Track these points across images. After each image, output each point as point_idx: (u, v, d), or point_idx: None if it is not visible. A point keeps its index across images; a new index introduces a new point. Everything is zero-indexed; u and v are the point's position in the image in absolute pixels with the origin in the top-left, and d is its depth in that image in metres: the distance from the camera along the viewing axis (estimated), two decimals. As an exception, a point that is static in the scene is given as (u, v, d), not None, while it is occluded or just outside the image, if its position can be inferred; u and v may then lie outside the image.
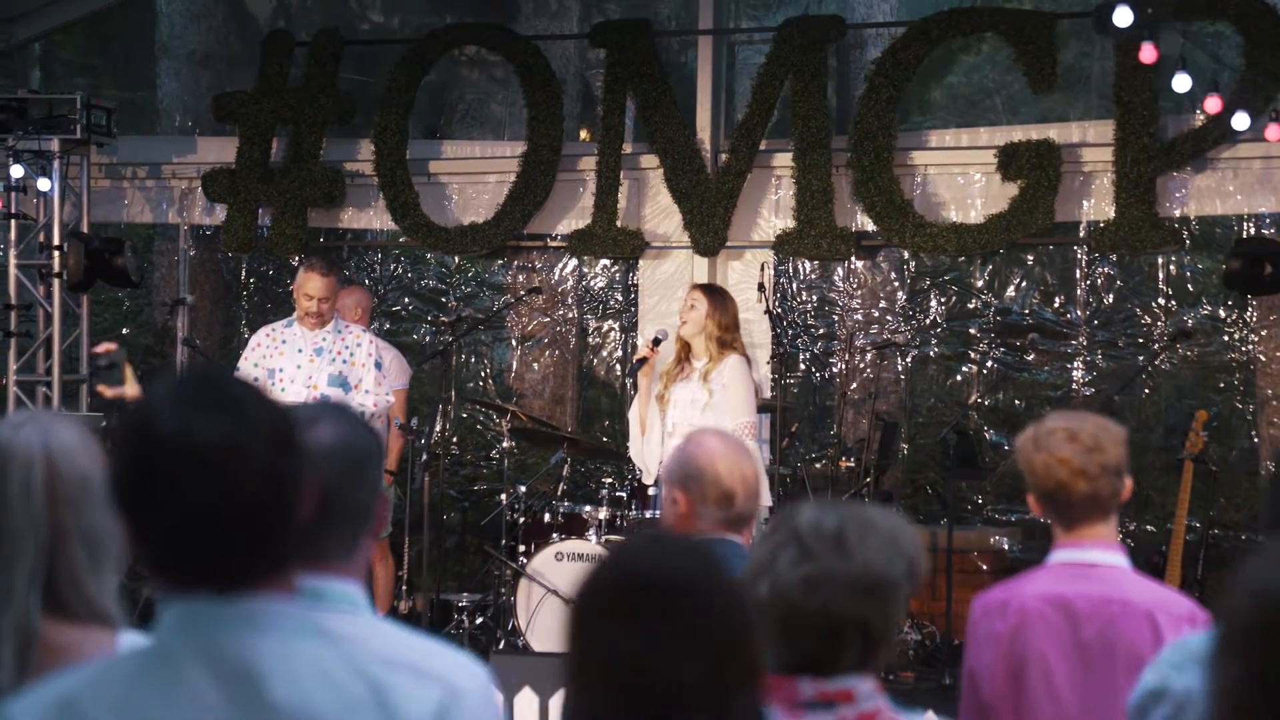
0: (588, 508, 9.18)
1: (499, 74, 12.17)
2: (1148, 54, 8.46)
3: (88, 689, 2.05)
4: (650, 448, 7.92)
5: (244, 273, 12.00)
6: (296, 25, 12.83)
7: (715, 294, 8.04)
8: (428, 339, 11.54)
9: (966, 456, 8.68)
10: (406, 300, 11.66)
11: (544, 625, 8.67)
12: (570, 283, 11.33)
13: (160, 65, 13.13)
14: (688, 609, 1.94)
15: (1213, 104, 8.91)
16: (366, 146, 11.20)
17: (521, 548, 9.08)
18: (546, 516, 9.21)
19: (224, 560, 2.01)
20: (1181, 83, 8.72)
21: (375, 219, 11.33)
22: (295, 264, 11.64)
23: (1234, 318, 10.24)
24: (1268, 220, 10.04)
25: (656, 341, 7.90)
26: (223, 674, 1.98)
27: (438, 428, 11.10)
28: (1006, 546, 10.22)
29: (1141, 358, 10.19)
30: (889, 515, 2.57)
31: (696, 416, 7.73)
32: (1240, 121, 8.92)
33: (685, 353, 7.92)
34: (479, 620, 9.46)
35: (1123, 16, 8.30)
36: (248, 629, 2.01)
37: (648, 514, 8.80)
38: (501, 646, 8.83)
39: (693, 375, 7.83)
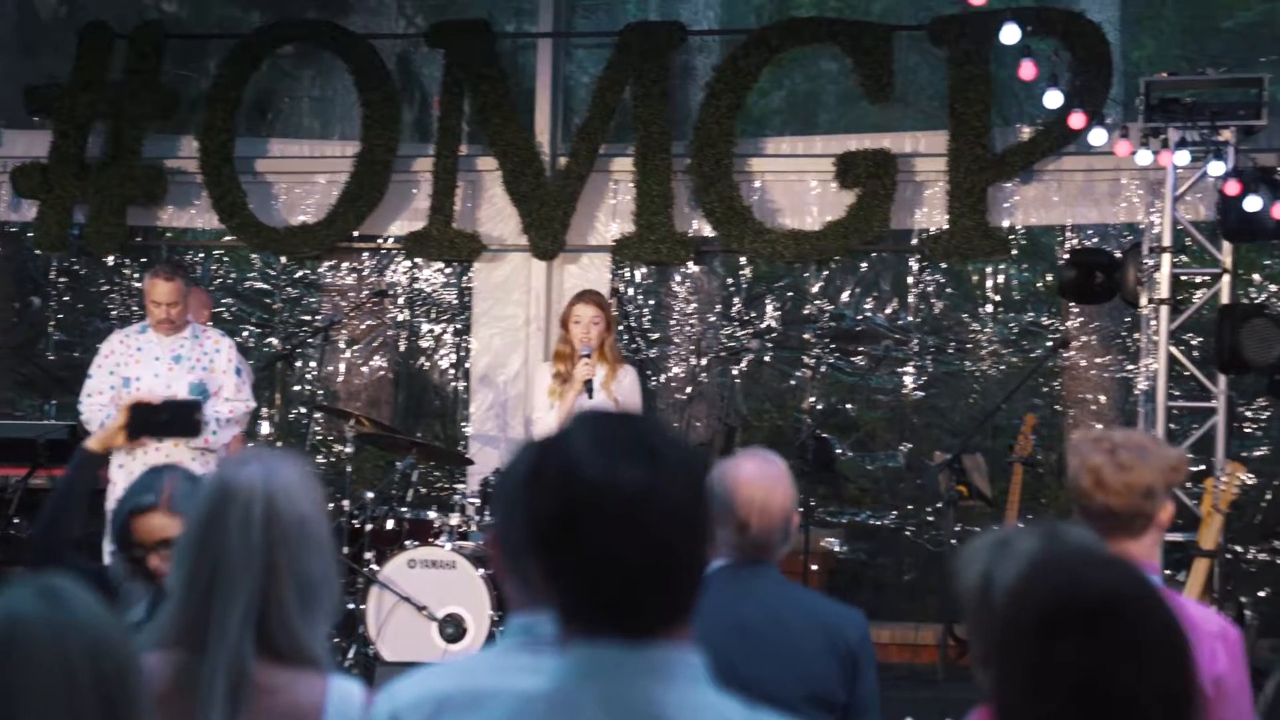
0: (432, 513, 9.11)
1: (322, 71, 11.93)
2: (1027, 71, 8.72)
3: None
4: None
5: (53, 271, 11.53)
6: (81, 16, 12.35)
7: (606, 304, 8.10)
8: (252, 342, 11.27)
9: (825, 461, 8.84)
10: (230, 301, 11.37)
11: (395, 633, 8.57)
12: (403, 285, 11.18)
13: (-50, 54, 12.57)
14: (1142, 622, 1.98)
15: (1077, 120, 9.22)
16: (188, 143, 10.89)
17: (368, 555, 8.95)
18: (390, 523, 9.09)
19: (637, 607, 1.97)
20: (1053, 99, 9.00)
21: (198, 217, 11.01)
22: (110, 263, 11.30)
23: (1056, 325, 10.62)
24: (1089, 231, 10.43)
25: (586, 355, 7.89)
26: None
27: (265, 431, 10.88)
28: (836, 548, 10.45)
29: (969, 363, 10.53)
30: None
31: None
32: (1098, 136, 9.24)
33: (570, 369, 7.95)
34: (327, 628, 9.26)
35: (1010, 34, 8.55)
36: (653, 678, 1.97)
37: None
38: (352, 655, 8.69)
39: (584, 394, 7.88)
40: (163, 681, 2.65)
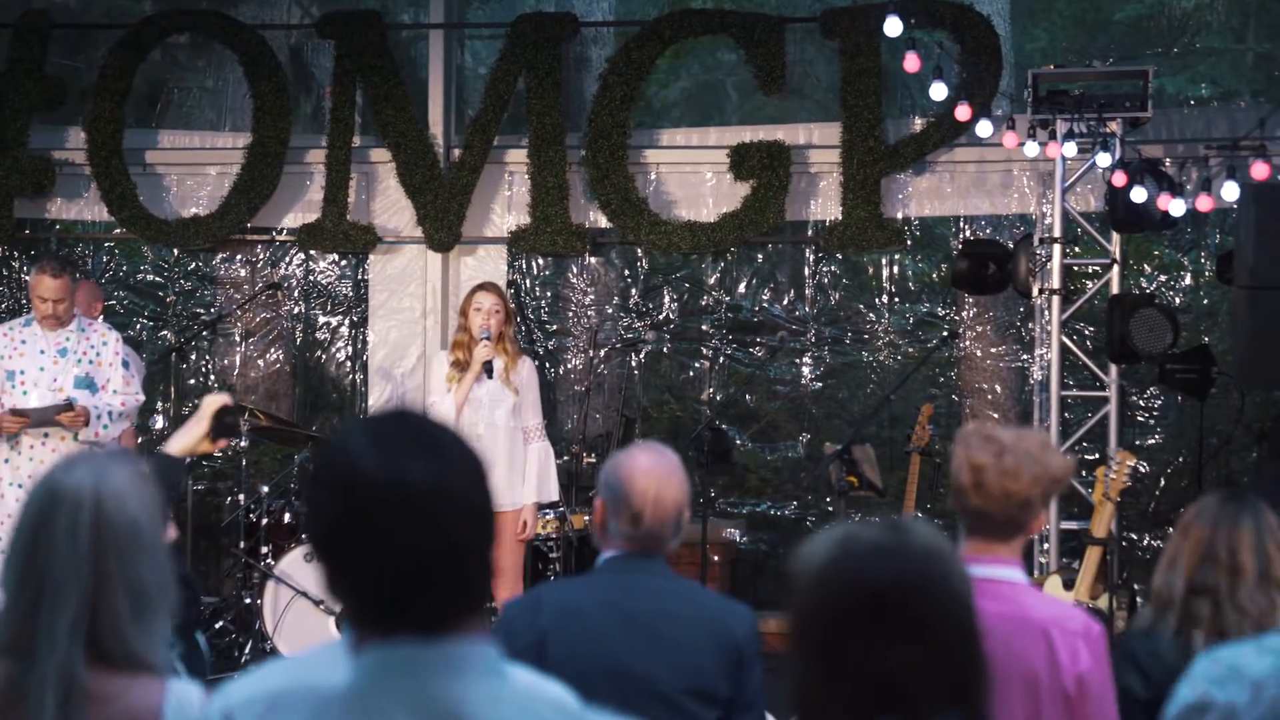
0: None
1: (213, 62, 11.77)
2: (911, 63, 8.76)
3: None
4: None
5: (-64, 265, 11.34)
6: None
7: (505, 296, 8.10)
8: (145, 335, 11.13)
9: (721, 452, 8.85)
10: (121, 294, 11.21)
11: (292, 627, 8.52)
12: (297, 277, 11.08)
13: None
14: (927, 612, 2.00)
15: (963, 112, 9.27)
16: (76, 134, 10.73)
17: (264, 549, 8.89)
18: (286, 517, 9.03)
19: (431, 602, 1.95)
20: (938, 90, 9.05)
21: (86, 209, 10.86)
22: (-1, 255, 11.14)
23: (951, 315, 10.69)
24: (982, 221, 10.52)
25: (486, 338, 7.87)
26: (430, 718, 1.92)
27: (159, 425, 10.75)
28: (736, 538, 10.46)
29: (866, 354, 10.59)
30: None
31: (503, 418, 7.93)
32: (984, 129, 9.30)
33: (469, 356, 7.93)
34: (219, 624, 9.19)
35: (893, 26, 8.58)
36: (452, 673, 1.95)
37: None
38: (249, 650, 8.63)
39: (484, 377, 7.86)
40: None
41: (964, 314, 10.63)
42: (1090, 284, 9.68)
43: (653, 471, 3.84)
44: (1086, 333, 10.33)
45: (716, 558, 10.10)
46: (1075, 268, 9.78)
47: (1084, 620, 3.62)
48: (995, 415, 10.56)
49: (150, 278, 11.29)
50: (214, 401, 4.06)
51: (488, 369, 7.84)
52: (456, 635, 1.98)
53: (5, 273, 11.24)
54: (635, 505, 3.82)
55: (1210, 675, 2.41)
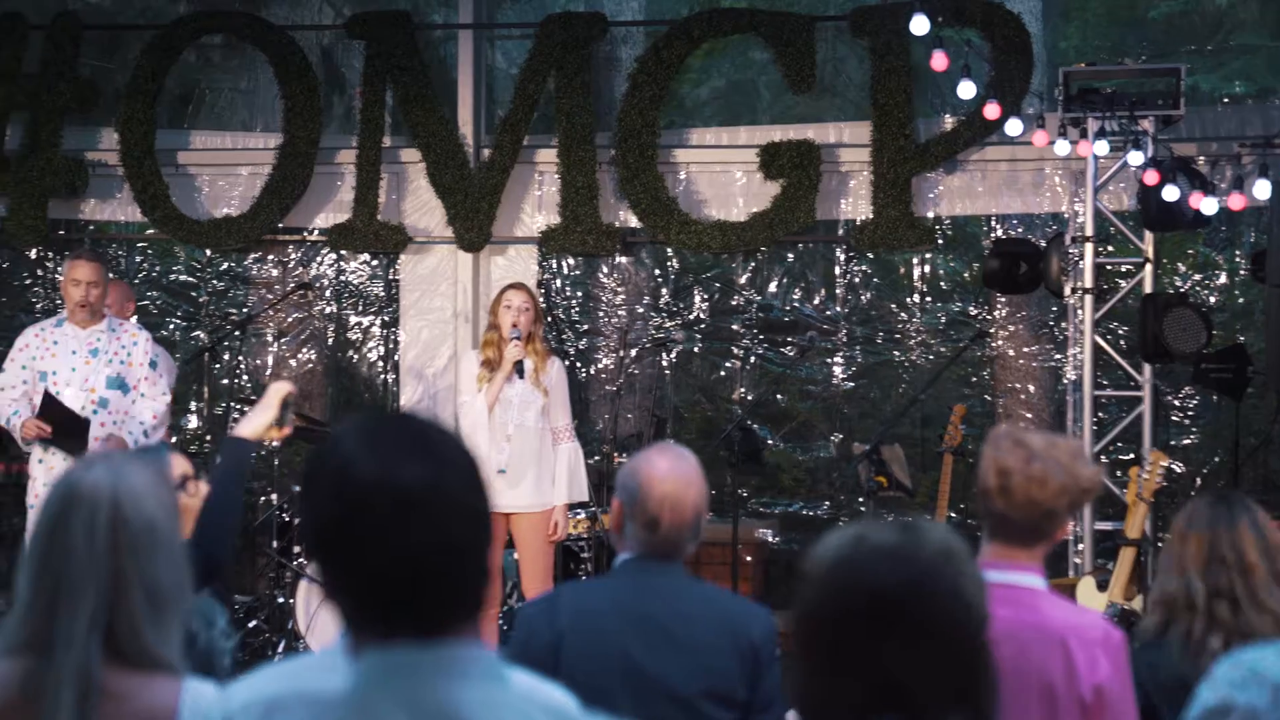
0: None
1: (243, 62, 11.80)
2: (939, 61, 8.72)
3: None
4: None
5: (-28, 266, 11.40)
6: None
7: (533, 294, 8.10)
8: (178, 336, 11.17)
9: (751, 452, 8.82)
10: (154, 294, 11.25)
11: (325, 627, 8.53)
12: (329, 277, 11.11)
13: None
14: (927, 617, 2.00)
15: (992, 110, 9.23)
16: (109, 135, 10.79)
17: (297, 548, 8.91)
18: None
19: (428, 605, 1.94)
20: (966, 89, 9.01)
21: (120, 210, 10.92)
22: (34, 257, 11.18)
23: (983, 315, 10.64)
24: (1014, 220, 10.46)
25: (517, 337, 7.88)
26: None
27: (193, 425, 10.78)
28: (769, 538, 10.43)
29: (898, 353, 10.55)
30: None
31: (533, 419, 7.94)
32: (1014, 127, 9.26)
33: (499, 356, 7.93)
34: (252, 623, 9.21)
35: (920, 25, 8.56)
36: (450, 677, 1.94)
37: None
38: (281, 649, 8.65)
39: (514, 377, 7.86)
40: (8, 689, 2.60)
41: (996, 313, 10.58)
42: (1123, 283, 9.63)
43: (670, 477, 3.81)
44: (1120, 332, 10.27)
45: (749, 558, 10.07)
46: (1108, 267, 9.72)
47: (1104, 628, 3.57)
48: (1029, 415, 10.51)
49: (183, 278, 11.33)
50: (280, 389, 4.09)
51: (519, 369, 7.84)
52: (455, 638, 1.97)
53: (40, 273, 11.29)
54: (652, 511, 3.79)
55: (1231, 678, 2.39)
